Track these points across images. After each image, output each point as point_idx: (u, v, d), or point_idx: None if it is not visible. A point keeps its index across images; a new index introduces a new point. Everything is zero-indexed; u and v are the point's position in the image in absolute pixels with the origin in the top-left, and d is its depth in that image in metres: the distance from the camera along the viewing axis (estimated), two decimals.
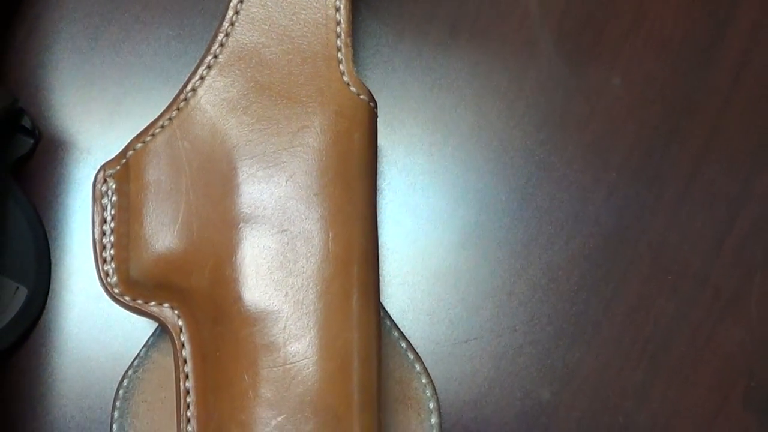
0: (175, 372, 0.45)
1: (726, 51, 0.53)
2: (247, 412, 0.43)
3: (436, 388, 0.48)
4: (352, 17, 0.47)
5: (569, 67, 0.53)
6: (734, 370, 0.51)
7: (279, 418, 0.43)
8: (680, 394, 0.51)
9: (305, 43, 0.46)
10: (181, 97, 0.46)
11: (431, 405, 0.48)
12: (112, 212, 0.46)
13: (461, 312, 0.51)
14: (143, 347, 0.48)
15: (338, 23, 0.46)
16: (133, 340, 0.50)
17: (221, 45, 0.46)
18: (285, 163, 0.45)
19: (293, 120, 0.45)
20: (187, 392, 0.45)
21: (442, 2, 0.53)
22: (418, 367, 0.48)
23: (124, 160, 0.46)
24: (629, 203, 0.52)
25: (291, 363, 0.43)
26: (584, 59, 0.53)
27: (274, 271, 0.44)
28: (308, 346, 0.43)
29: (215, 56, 0.46)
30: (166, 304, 0.46)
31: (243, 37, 0.46)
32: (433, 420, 0.48)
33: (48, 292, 0.51)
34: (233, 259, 0.44)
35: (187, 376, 0.45)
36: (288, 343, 0.43)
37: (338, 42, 0.46)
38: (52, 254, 0.51)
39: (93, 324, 0.51)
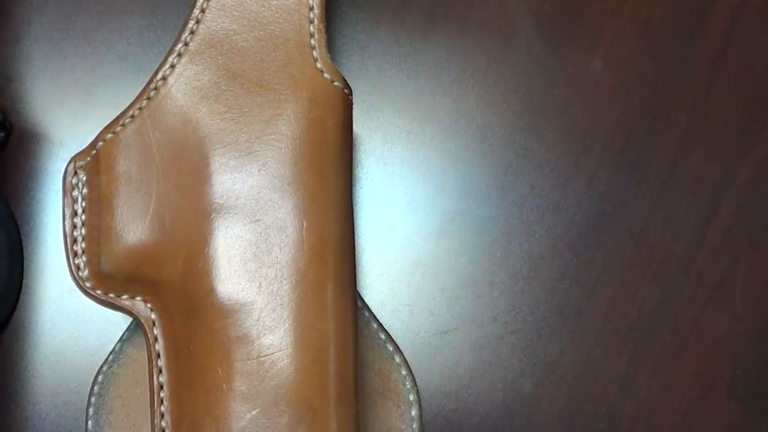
0: (149, 366, 0.44)
1: (708, 33, 0.53)
2: (221, 406, 0.42)
3: (416, 379, 0.48)
4: (327, 3, 0.47)
5: (549, 51, 0.52)
6: (719, 358, 0.51)
7: (253, 412, 0.42)
8: (664, 383, 0.50)
9: (278, 29, 0.45)
10: (152, 86, 0.45)
11: (411, 397, 0.47)
12: (83, 205, 0.45)
13: (441, 302, 0.50)
14: (118, 342, 0.47)
15: (311, 9, 0.45)
16: (108, 335, 0.49)
17: (192, 32, 0.45)
18: (257, 152, 0.44)
19: (266, 108, 0.44)
20: (161, 387, 0.44)
21: None
22: (397, 359, 0.48)
23: (94, 152, 0.45)
24: (611, 189, 0.51)
25: (265, 355, 0.42)
26: (564, 43, 0.52)
27: (247, 262, 0.43)
28: (282, 337, 0.42)
29: (186, 44, 0.45)
30: (139, 298, 0.45)
31: (214, 24, 0.45)
32: (414, 412, 0.47)
33: (21, 287, 0.50)
34: (205, 251, 0.43)
35: (160, 371, 0.44)
36: (262, 335, 0.42)
37: (311, 28, 0.45)
38: (24, 249, 0.50)
39: (67, 319, 0.50)
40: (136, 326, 0.46)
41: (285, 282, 0.43)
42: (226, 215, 0.43)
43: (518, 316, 0.50)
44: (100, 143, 0.45)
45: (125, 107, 0.45)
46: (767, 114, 0.52)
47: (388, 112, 0.51)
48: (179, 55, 0.45)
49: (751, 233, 0.51)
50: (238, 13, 0.46)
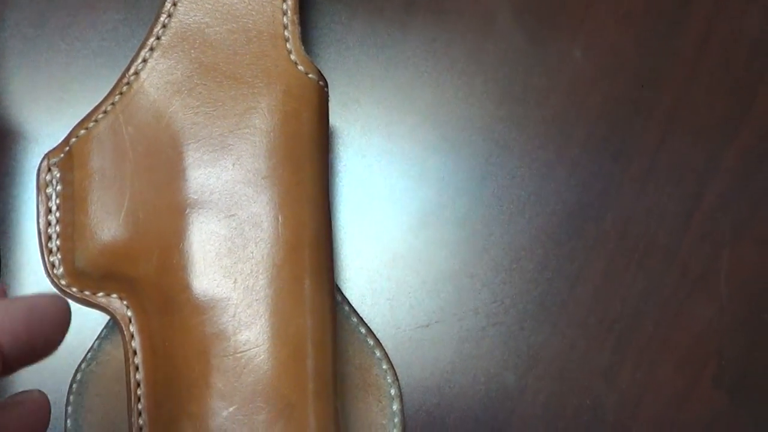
0: (125, 364, 0.44)
1: (690, 20, 0.52)
2: (198, 403, 0.42)
3: (398, 373, 0.47)
4: None
5: (529, 40, 0.51)
6: (704, 349, 0.50)
7: (230, 409, 0.41)
8: (649, 375, 0.50)
9: (250, 21, 0.45)
10: (124, 80, 0.45)
11: (392, 391, 0.47)
12: (57, 202, 0.45)
13: (422, 295, 0.50)
14: (96, 340, 0.47)
15: (284, 0, 0.45)
16: (87, 332, 0.49)
17: (164, 26, 0.45)
18: (232, 146, 0.43)
19: (239, 101, 0.44)
20: (138, 384, 0.44)
21: None
22: (378, 353, 0.47)
23: (67, 148, 0.45)
24: (593, 179, 0.51)
25: (242, 351, 0.42)
26: (544, 32, 0.52)
27: (223, 258, 0.43)
28: (259, 333, 0.42)
29: (158, 38, 0.45)
30: (114, 295, 0.44)
31: (186, 17, 0.45)
32: (395, 406, 0.47)
33: None
34: (180, 246, 0.43)
35: (137, 368, 0.44)
36: (238, 331, 0.42)
37: (285, 19, 0.45)
38: (2, 247, 0.50)
39: None
40: (114, 324, 0.46)
41: (261, 277, 0.42)
42: (201, 210, 0.43)
43: (500, 308, 0.50)
44: (73, 140, 0.44)
45: (99, 102, 0.45)
46: (750, 102, 0.51)
47: (366, 103, 0.51)
48: (151, 49, 0.45)
49: (735, 222, 0.51)
50: (210, 6, 0.45)
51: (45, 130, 0.50)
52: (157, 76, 0.44)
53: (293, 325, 0.42)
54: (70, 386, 0.46)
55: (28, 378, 0.48)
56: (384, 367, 0.47)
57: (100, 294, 0.44)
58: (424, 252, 0.50)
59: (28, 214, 0.50)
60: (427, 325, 0.50)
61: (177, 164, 0.43)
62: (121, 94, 0.44)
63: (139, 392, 0.44)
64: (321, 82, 0.45)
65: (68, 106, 0.50)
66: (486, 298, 0.50)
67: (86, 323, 0.49)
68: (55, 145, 0.45)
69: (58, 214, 0.45)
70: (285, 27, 0.45)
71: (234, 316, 0.42)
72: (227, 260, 0.43)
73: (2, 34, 0.51)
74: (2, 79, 0.50)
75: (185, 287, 0.43)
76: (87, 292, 0.44)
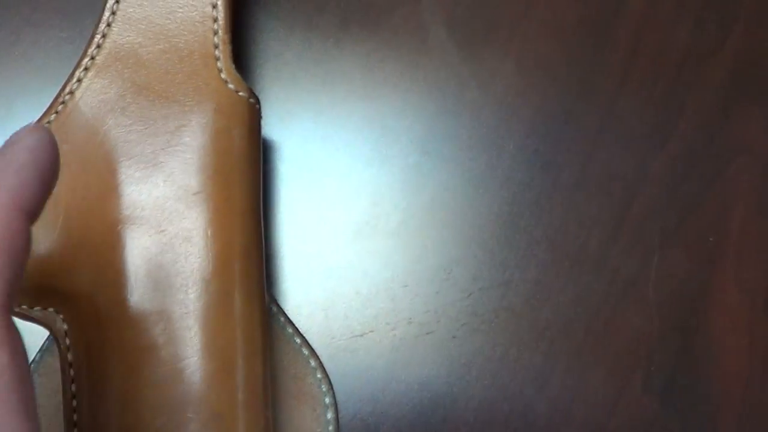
0: (62, 376, 0.45)
1: (620, 32, 0.53)
2: (130, 416, 0.43)
3: (333, 382, 0.48)
4: (237, 13, 0.47)
5: (462, 54, 0.52)
6: (634, 354, 0.51)
7: (162, 420, 0.42)
8: (579, 380, 0.51)
9: (182, 41, 0.46)
10: (59, 100, 0.45)
11: (327, 400, 0.48)
12: None
13: (356, 306, 0.51)
14: (38, 352, 0.48)
15: (215, 20, 0.46)
16: (30, 345, 0.49)
17: (98, 46, 0.46)
18: (163, 163, 0.44)
19: (171, 119, 0.45)
20: (73, 396, 0.45)
21: None
22: (313, 363, 0.48)
23: None
24: (524, 190, 0.52)
25: (172, 364, 0.42)
26: (477, 46, 0.52)
27: (154, 272, 0.43)
28: (188, 346, 0.43)
29: (92, 58, 0.46)
30: (51, 309, 0.45)
31: (120, 37, 0.46)
32: (330, 415, 0.48)
33: None
34: (114, 262, 0.44)
35: (72, 380, 0.45)
36: (169, 344, 0.43)
37: (215, 39, 0.46)
38: None
39: None
40: None
41: (191, 291, 0.43)
42: (133, 226, 0.44)
43: (433, 317, 0.51)
44: None
45: (35, 120, 0.46)
46: (678, 112, 0.52)
47: (302, 118, 0.52)
48: (86, 69, 0.46)
49: (663, 230, 0.52)
50: (143, 27, 0.46)
51: None
52: (91, 95, 0.45)
53: (222, 338, 0.43)
54: None
55: None
56: (318, 376, 0.48)
57: (37, 308, 0.45)
58: (359, 263, 0.51)
59: None
60: (362, 335, 0.51)
61: (110, 181, 0.44)
62: (56, 113, 0.45)
63: (74, 404, 0.45)
64: (252, 100, 0.46)
65: (11, 123, 0.51)
66: (419, 308, 0.51)
67: (30, 337, 0.50)
68: None
69: None
70: (216, 47, 0.46)
71: (165, 329, 0.43)
72: (158, 274, 0.43)
73: None
74: None
75: (119, 301, 0.43)
76: (24, 306, 0.45)
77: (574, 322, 0.51)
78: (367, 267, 0.51)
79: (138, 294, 0.43)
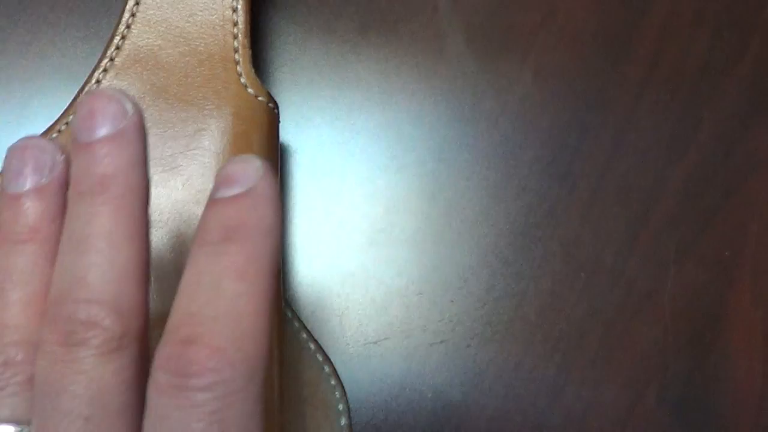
0: None
1: (639, 44, 0.53)
2: None
3: (346, 389, 0.48)
4: (255, 16, 0.47)
5: (479, 62, 0.52)
6: (648, 367, 0.51)
7: None
8: (593, 392, 0.50)
9: (202, 44, 0.46)
10: (78, 101, 0.45)
11: (341, 407, 0.48)
12: None
13: (371, 312, 0.50)
14: None
15: (235, 24, 0.46)
16: None
17: (117, 48, 0.46)
18: (181, 167, 0.44)
19: (189, 123, 0.45)
20: None
21: None
22: (327, 369, 0.48)
23: None
24: (541, 200, 0.51)
25: None
26: (495, 54, 0.52)
27: (171, 277, 0.43)
28: None
29: (111, 59, 0.46)
30: None
31: (139, 39, 0.46)
32: (343, 422, 0.48)
33: None
34: None
35: None
36: None
37: (235, 43, 0.46)
38: None
39: None
40: None
41: None
42: (151, 230, 0.44)
43: (447, 326, 0.51)
44: None
45: (53, 121, 0.45)
46: (696, 124, 0.52)
47: (318, 123, 0.52)
48: (105, 70, 0.45)
49: (679, 243, 0.51)
50: (163, 29, 0.46)
51: (3, 147, 0.51)
52: None
53: None
54: None
55: None
56: (332, 382, 0.48)
57: None
58: (374, 270, 0.51)
59: None
60: (376, 342, 0.50)
61: None
62: (74, 114, 0.45)
63: None
64: (271, 104, 0.45)
65: (28, 122, 0.51)
66: (434, 316, 0.51)
67: None
68: None
69: None
70: (236, 50, 0.46)
71: None
72: (175, 280, 0.43)
73: None
74: None
75: None
76: None
77: (589, 333, 0.51)
78: (382, 274, 0.51)
79: (155, 298, 0.43)
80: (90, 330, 0.30)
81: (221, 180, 0.32)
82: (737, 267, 0.52)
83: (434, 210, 0.51)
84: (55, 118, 0.46)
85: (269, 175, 0.31)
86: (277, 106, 0.46)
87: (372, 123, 0.52)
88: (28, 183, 0.33)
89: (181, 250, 0.43)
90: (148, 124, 0.44)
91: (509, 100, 0.52)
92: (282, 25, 0.52)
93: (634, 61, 0.53)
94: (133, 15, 0.46)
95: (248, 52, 0.46)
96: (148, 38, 0.46)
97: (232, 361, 0.29)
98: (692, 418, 0.50)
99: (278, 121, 0.46)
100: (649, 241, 0.51)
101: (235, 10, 0.46)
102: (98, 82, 0.45)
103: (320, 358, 0.48)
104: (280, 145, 0.50)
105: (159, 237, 0.44)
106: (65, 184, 0.33)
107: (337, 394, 0.48)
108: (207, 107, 0.45)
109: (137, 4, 0.46)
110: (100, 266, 0.30)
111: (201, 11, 0.46)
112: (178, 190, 0.44)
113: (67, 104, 0.46)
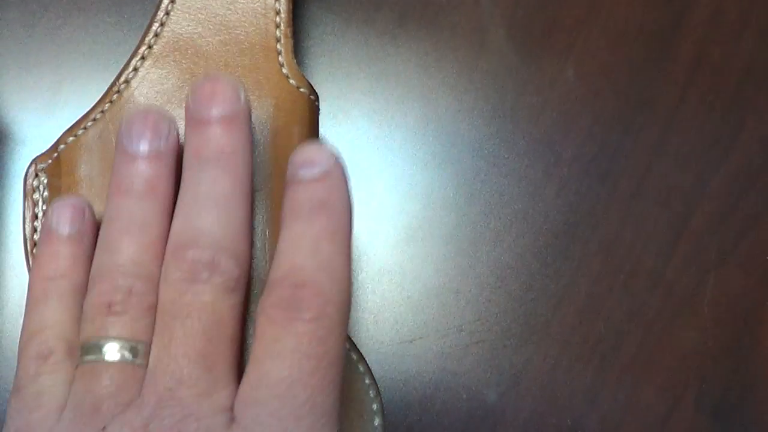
0: None
1: (683, 43, 0.52)
2: None
3: (380, 388, 0.47)
4: (294, 5, 0.46)
5: (521, 57, 0.51)
6: (686, 372, 0.50)
7: None
8: (630, 396, 0.50)
9: (243, 33, 0.45)
10: (114, 89, 0.44)
11: (375, 406, 0.47)
12: (44, 208, 0.45)
13: (406, 311, 0.50)
14: None
15: (278, 12, 0.45)
16: None
17: (156, 35, 0.45)
18: None
19: None
20: None
21: None
22: (361, 368, 0.47)
23: (55, 154, 0.44)
24: (581, 199, 0.51)
25: None
26: (536, 50, 0.51)
27: None
28: (244, 349, 0.42)
29: (149, 47, 0.45)
30: None
31: (178, 26, 0.45)
32: (377, 422, 0.47)
33: None
34: None
35: None
36: None
37: (278, 32, 0.45)
38: None
39: None
40: None
41: (252, 289, 0.42)
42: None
43: (484, 325, 0.50)
44: (62, 146, 0.44)
45: (89, 109, 0.44)
46: (740, 126, 0.51)
47: (355, 116, 0.51)
48: (143, 58, 0.44)
49: (720, 246, 0.51)
50: (203, 16, 0.45)
51: (33, 132, 0.50)
52: (147, 85, 0.44)
53: None
54: None
55: (11, 382, 0.48)
56: (367, 381, 0.47)
57: None
58: (410, 267, 0.50)
59: (12, 217, 0.49)
60: (411, 341, 0.50)
61: None
62: (111, 102, 0.44)
63: None
64: (312, 96, 0.44)
65: (57, 108, 0.50)
66: (470, 316, 0.50)
67: None
68: (42, 147, 0.45)
69: (44, 221, 0.45)
70: (278, 40, 0.45)
71: None
72: None
73: None
74: None
75: None
76: None
77: (627, 336, 0.50)
78: (419, 272, 0.50)
79: None
80: (214, 270, 0.37)
81: (302, 162, 0.38)
82: None
83: (472, 207, 0.50)
84: (85, 104, 0.45)
85: (341, 160, 0.39)
86: (318, 98, 0.45)
87: (411, 117, 0.51)
88: (149, 146, 0.39)
89: None
90: None
91: (550, 97, 0.51)
92: (320, 15, 0.51)
93: (677, 60, 0.52)
94: (173, 1, 0.45)
95: (290, 41, 0.45)
96: (188, 25, 0.45)
97: (333, 300, 0.36)
98: (730, 424, 0.50)
99: (318, 114, 0.45)
100: (690, 244, 0.51)
101: None
102: (135, 69, 0.44)
103: (354, 356, 0.47)
104: None
105: None
106: (177, 152, 0.40)
107: (371, 393, 0.47)
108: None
109: None
110: (222, 220, 0.38)
111: None
112: None
113: (101, 92, 0.45)
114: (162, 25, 0.45)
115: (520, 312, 0.50)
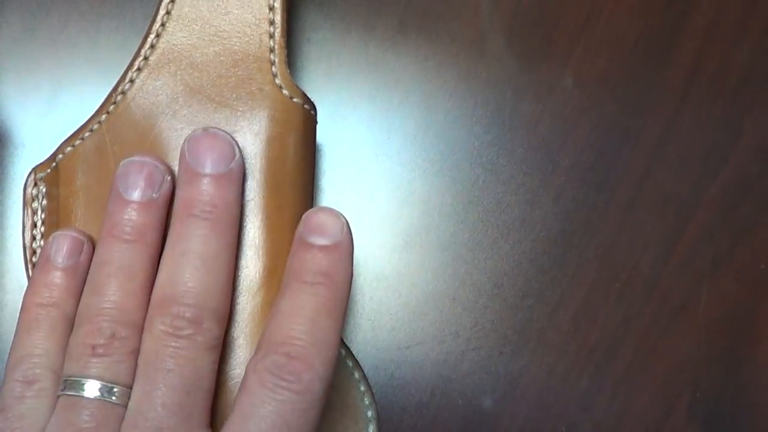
0: None
1: (681, 51, 0.52)
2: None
3: (376, 394, 0.48)
4: (291, 13, 0.46)
5: (520, 65, 0.51)
6: (680, 380, 0.50)
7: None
8: (625, 403, 0.50)
9: (237, 43, 0.45)
10: (111, 100, 0.45)
11: (370, 413, 0.47)
12: (42, 216, 0.45)
13: (403, 317, 0.50)
14: None
15: (272, 23, 0.45)
16: None
17: (152, 46, 0.45)
18: None
19: (223, 125, 0.44)
20: None
21: None
22: (357, 375, 0.47)
23: (54, 164, 0.45)
24: (578, 207, 0.51)
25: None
26: (535, 57, 0.51)
27: None
28: (232, 357, 0.42)
29: (145, 58, 0.45)
30: None
31: (173, 38, 0.45)
32: (372, 429, 0.47)
33: None
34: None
35: None
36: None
37: (271, 42, 0.45)
38: None
39: None
40: None
41: (237, 300, 0.43)
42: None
43: (480, 332, 0.50)
44: (60, 156, 0.44)
45: (92, 111, 0.45)
46: (737, 134, 0.52)
47: (354, 122, 0.51)
48: (138, 69, 0.45)
49: (716, 254, 0.51)
50: (197, 27, 0.45)
51: (32, 136, 0.50)
52: (142, 96, 0.44)
53: None
54: None
55: None
56: (362, 389, 0.47)
57: None
58: (407, 274, 0.50)
59: (11, 220, 0.50)
60: (408, 347, 0.50)
61: None
62: (107, 113, 0.44)
63: None
64: (307, 106, 0.45)
65: (57, 112, 0.50)
66: (466, 322, 0.50)
67: None
68: (41, 151, 0.46)
69: (42, 229, 0.45)
70: (271, 51, 0.45)
71: None
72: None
73: None
74: None
75: None
76: None
77: (622, 343, 0.50)
78: (416, 278, 0.50)
79: None
80: (197, 329, 0.39)
81: (314, 227, 0.40)
82: None
83: (470, 215, 0.51)
84: (85, 107, 0.45)
85: (350, 232, 0.41)
86: (314, 108, 0.45)
87: (410, 124, 0.51)
88: (142, 194, 0.41)
89: None
90: (181, 125, 0.44)
91: (549, 104, 0.51)
92: (320, 21, 0.51)
93: (675, 67, 0.52)
94: (168, 12, 0.45)
95: (284, 52, 0.45)
96: (183, 36, 0.45)
97: (321, 377, 0.38)
98: (723, 431, 0.50)
99: (315, 123, 0.45)
100: (685, 252, 0.51)
101: (272, 8, 0.45)
102: (132, 81, 0.44)
103: (350, 363, 0.48)
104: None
105: None
106: (169, 201, 0.42)
107: (367, 400, 0.47)
108: (240, 109, 0.44)
109: (172, 1, 0.45)
110: (207, 280, 0.40)
111: (237, 8, 0.45)
112: None
113: (101, 96, 0.45)
114: (158, 36, 0.45)
115: (517, 319, 0.50)
